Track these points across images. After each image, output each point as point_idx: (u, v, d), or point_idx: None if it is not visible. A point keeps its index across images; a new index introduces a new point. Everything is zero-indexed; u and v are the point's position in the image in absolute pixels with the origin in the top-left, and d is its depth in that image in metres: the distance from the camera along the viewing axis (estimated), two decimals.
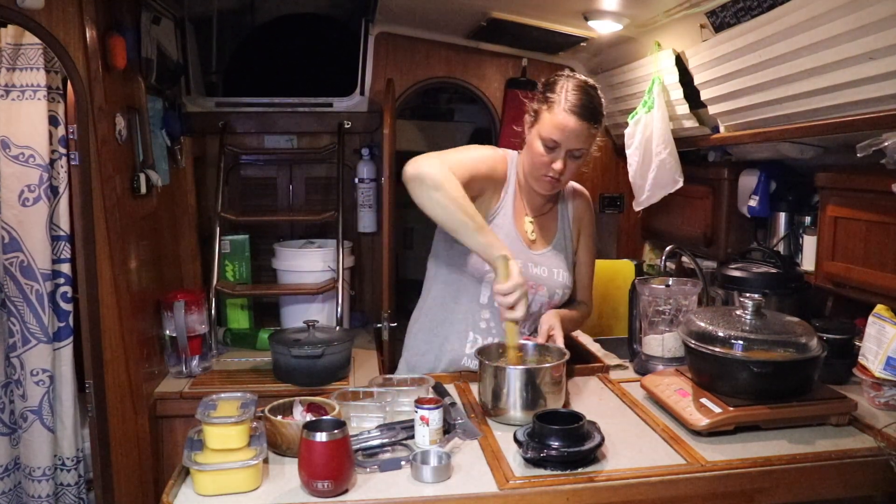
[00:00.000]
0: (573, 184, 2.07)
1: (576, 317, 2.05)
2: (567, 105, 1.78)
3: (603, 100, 1.88)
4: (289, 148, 3.38)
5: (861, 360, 1.83)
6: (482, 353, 1.74)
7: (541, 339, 1.84)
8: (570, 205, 2.06)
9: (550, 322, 1.87)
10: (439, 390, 1.80)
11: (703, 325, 1.70)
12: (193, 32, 3.26)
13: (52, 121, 2.30)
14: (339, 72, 3.50)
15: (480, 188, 1.88)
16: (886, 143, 1.68)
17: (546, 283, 1.94)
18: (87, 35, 2.12)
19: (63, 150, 2.33)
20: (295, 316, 3.05)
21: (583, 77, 1.87)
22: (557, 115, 1.79)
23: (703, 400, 1.63)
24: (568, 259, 2.02)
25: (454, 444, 1.53)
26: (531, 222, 1.97)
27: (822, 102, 1.90)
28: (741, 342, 1.62)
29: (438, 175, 1.70)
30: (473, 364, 1.92)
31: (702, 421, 1.57)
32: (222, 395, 1.53)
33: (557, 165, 1.83)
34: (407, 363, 2.08)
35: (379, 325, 2.95)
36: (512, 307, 1.67)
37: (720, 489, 1.43)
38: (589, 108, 1.80)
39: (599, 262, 3.30)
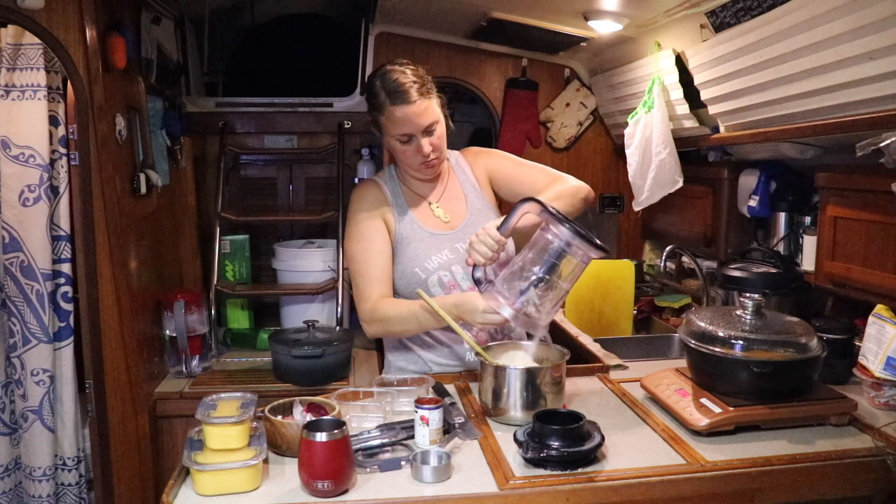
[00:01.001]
0: (453, 152, 2.09)
1: (564, 191, 1.89)
2: (391, 100, 1.80)
3: (418, 68, 1.89)
4: (289, 148, 3.38)
5: (861, 360, 1.83)
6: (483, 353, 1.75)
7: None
8: (466, 168, 2.06)
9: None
10: (439, 390, 1.80)
11: (703, 325, 1.70)
12: (193, 32, 3.26)
13: (53, 121, 2.29)
14: (339, 72, 3.50)
15: (386, 231, 1.94)
16: (886, 143, 1.68)
17: None
18: (87, 35, 2.12)
19: (63, 150, 2.33)
20: (295, 316, 3.06)
21: (388, 63, 1.88)
22: (392, 114, 1.81)
23: (703, 400, 1.63)
24: (491, 213, 2.00)
25: (454, 444, 1.53)
26: (438, 207, 1.99)
27: (822, 102, 1.90)
28: (741, 342, 1.62)
29: (374, 329, 1.89)
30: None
31: (702, 421, 1.57)
32: (222, 395, 1.53)
33: (425, 149, 1.85)
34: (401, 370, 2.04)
35: None
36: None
37: (720, 489, 1.43)
38: (414, 87, 1.81)
39: (599, 262, 3.31)
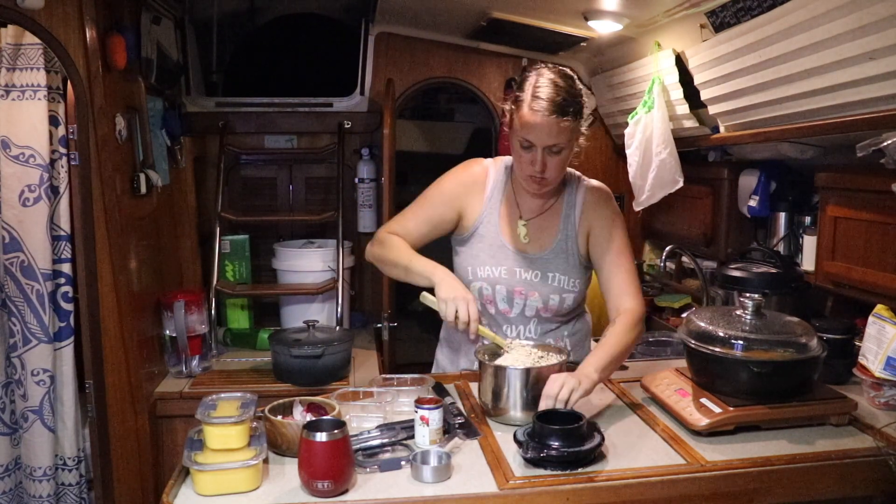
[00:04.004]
0: (591, 182, 1.99)
1: (614, 343, 1.77)
2: (532, 103, 1.73)
3: (580, 88, 1.80)
4: (289, 148, 3.38)
5: (861, 360, 1.83)
6: (481, 352, 1.74)
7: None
8: (579, 203, 1.93)
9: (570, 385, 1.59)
10: (439, 390, 1.81)
11: (703, 325, 1.70)
12: (193, 32, 3.26)
13: (53, 121, 2.29)
14: (339, 72, 3.50)
15: (452, 212, 1.95)
16: (886, 143, 1.68)
17: (538, 288, 1.90)
18: (87, 35, 2.12)
19: (63, 150, 2.33)
20: (295, 316, 3.06)
21: (554, 68, 1.79)
22: (525, 115, 1.74)
23: (703, 400, 1.63)
24: (571, 262, 1.92)
25: (454, 444, 1.53)
26: (524, 225, 1.93)
27: (822, 102, 1.90)
28: (741, 342, 1.62)
29: (372, 246, 1.97)
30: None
31: (702, 421, 1.57)
32: (222, 395, 1.53)
33: (537, 165, 1.78)
34: (437, 363, 2.15)
35: (379, 325, 2.95)
36: (456, 318, 1.73)
37: (720, 489, 1.43)
38: (556, 102, 1.72)
39: None
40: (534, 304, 1.92)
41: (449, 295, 1.73)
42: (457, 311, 1.71)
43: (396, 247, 1.89)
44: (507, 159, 1.98)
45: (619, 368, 2.07)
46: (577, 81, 1.81)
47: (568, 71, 1.81)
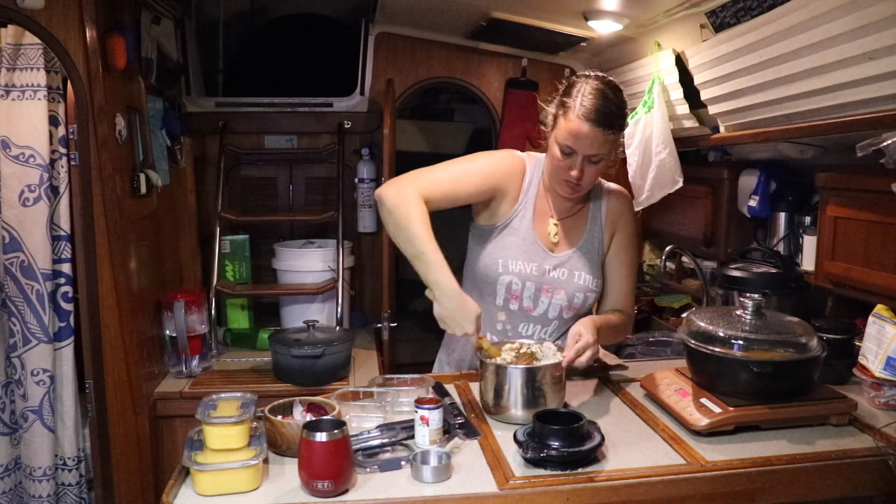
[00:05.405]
0: (611, 185, 2.01)
1: (614, 322, 1.90)
2: (581, 111, 1.71)
3: (626, 101, 1.79)
4: (289, 148, 3.39)
5: (861, 360, 1.83)
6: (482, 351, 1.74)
7: (568, 352, 1.68)
8: (605, 206, 1.96)
9: (578, 330, 1.73)
10: (439, 390, 1.81)
11: (703, 325, 1.70)
12: (193, 32, 3.26)
13: (53, 121, 2.30)
14: (339, 72, 3.50)
15: (487, 192, 1.88)
16: (886, 143, 1.68)
17: (564, 286, 1.90)
18: (87, 35, 2.12)
19: (63, 150, 2.33)
20: (295, 316, 3.06)
21: (603, 78, 1.78)
22: (571, 122, 1.73)
23: (703, 400, 1.63)
24: (595, 261, 1.94)
25: (454, 444, 1.53)
26: (555, 224, 1.93)
27: (822, 102, 1.90)
28: (741, 342, 1.62)
29: (396, 197, 1.75)
30: None
31: (702, 421, 1.57)
32: (222, 395, 1.53)
33: (574, 172, 1.77)
34: (440, 362, 2.12)
35: (379, 325, 2.95)
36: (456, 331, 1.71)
37: (720, 489, 1.43)
38: (604, 113, 1.71)
39: None
40: (558, 302, 1.90)
41: (448, 313, 1.70)
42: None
43: (420, 222, 1.73)
44: (539, 156, 1.97)
45: (619, 368, 2.08)
46: (623, 94, 1.80)
47: (616, 82, 1.80)
